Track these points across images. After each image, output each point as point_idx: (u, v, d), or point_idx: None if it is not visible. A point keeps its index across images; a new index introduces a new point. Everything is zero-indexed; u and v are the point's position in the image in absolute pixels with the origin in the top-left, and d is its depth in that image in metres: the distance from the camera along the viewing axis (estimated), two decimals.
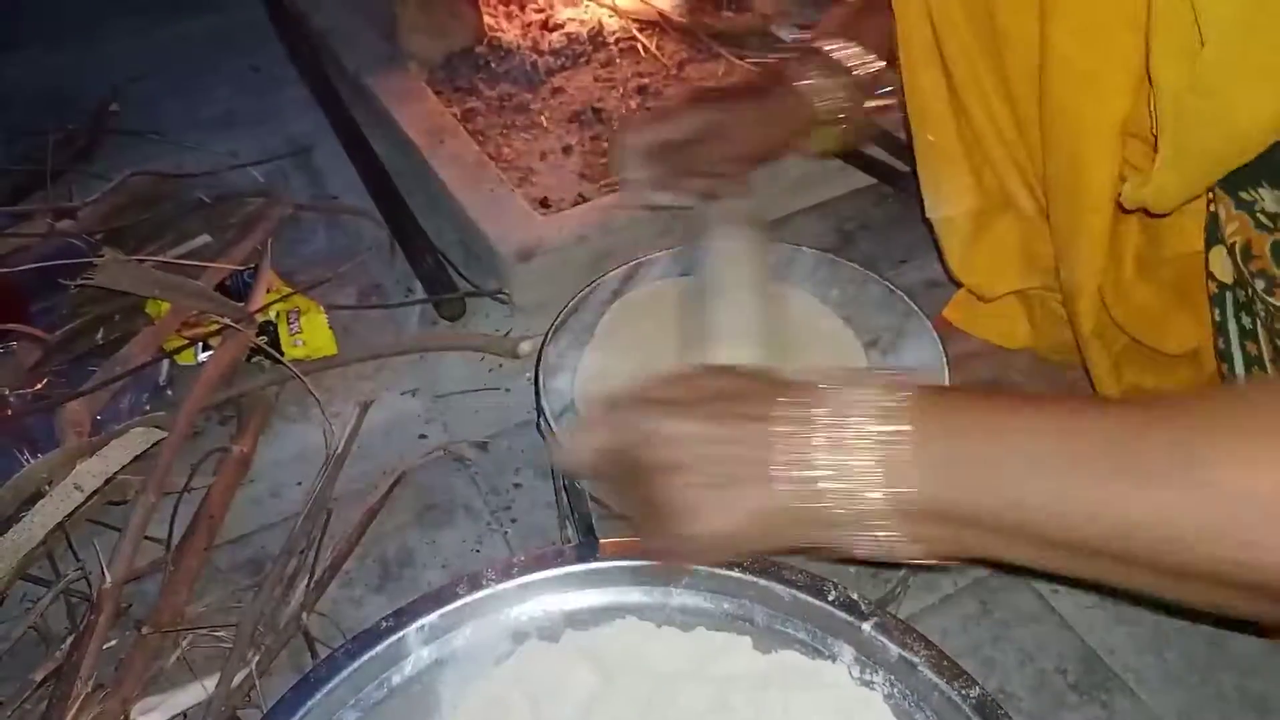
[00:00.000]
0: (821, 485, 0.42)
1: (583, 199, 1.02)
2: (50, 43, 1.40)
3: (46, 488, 0.67)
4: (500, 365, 0.90)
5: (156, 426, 0.74)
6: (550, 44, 1.22)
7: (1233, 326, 0.60)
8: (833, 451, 0.42)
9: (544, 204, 1.02)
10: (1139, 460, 0.38)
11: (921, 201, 0.75)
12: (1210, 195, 0.57)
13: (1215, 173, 0.52)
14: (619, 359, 0.70)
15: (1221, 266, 0.59)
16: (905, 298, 0.70)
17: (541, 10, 1.27)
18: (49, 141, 1.10)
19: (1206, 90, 0.48)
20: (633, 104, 1.15)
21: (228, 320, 0.85)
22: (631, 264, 0.76)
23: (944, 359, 0.66)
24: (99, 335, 0.90)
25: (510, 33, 1.24)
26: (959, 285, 0.79)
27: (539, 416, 0.66)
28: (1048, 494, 0.39)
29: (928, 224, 0.77)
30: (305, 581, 0.68)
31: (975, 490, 0.40)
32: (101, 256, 0.85)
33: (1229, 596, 0.38)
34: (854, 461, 0.42)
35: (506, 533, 0.76)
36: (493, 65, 1.20)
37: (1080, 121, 0.58)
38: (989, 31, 0.62)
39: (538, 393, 0.66)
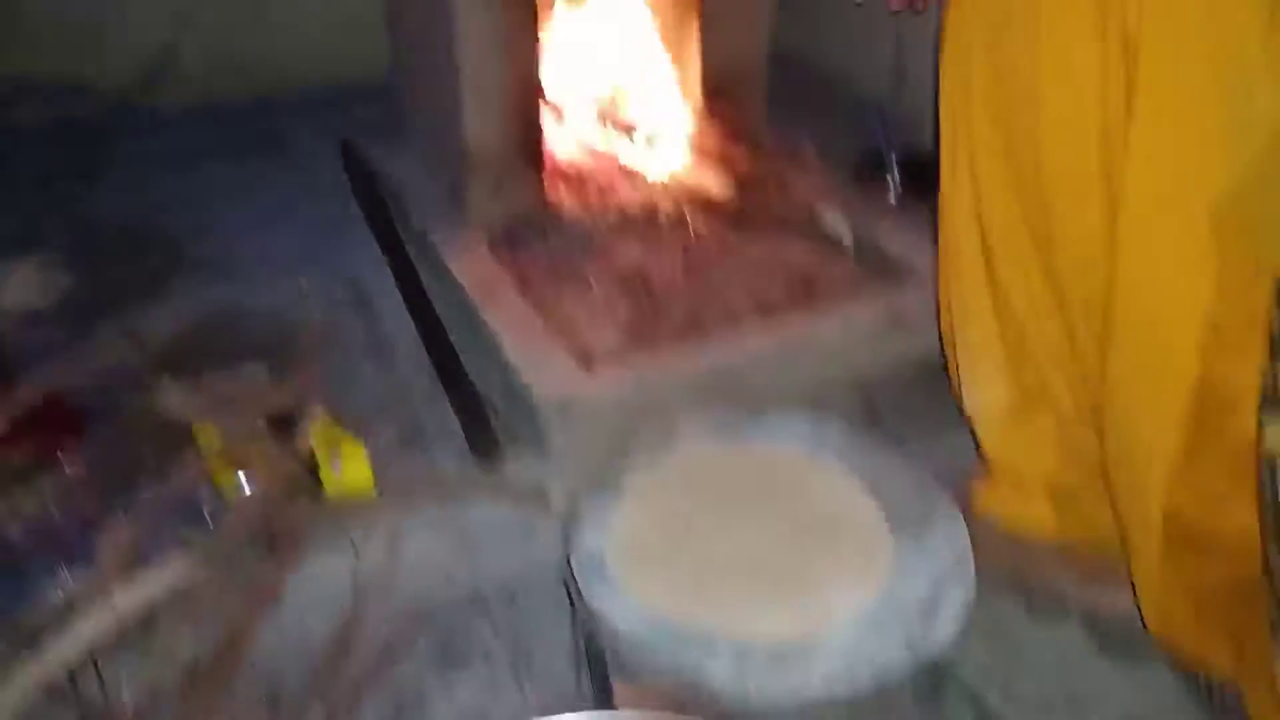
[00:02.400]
0: None
1: (623, 356, 1.06)
2: (140, 174, 1.51)
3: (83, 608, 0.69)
4: (531, 514, 0.92)
5: (195, 554, 0.76)
6: (605, 215, 1.29)
7: None
8: None
9: (586, 359, 1.06)
10: None
11: (949, 378, 0.77)
12: (1274, 369, 0.59)
13: None
14: (648, 526, 0.71)
15: (1277, 439, 0.59)
16: (933, 481, 0.71)
17: (599, 185, 1.35)
18: (127, 269, 1.18)
19: None
20: (678, 273, 1.21)
21: (274, 453, 0.88)
22: (669, 430, 0.79)
23: (969, 545, 0.67)
24: (149, 459, 0.93)
25: (569, 202, 1.32)
26: (988, 468, 0.80)
27: (567, 574, 0.67)
28: None
29: (958, 403, 0.79)
30: None
31: None
32: (162, 384, 0.90)
33: None
34: None
35: (523, 685, 0.75)
36: (550, 230, 1.27)
37: (1164, 308, 0.61)
38: (1044, 230, 0.66)
39: (567, 552, 0.67)
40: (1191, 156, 0.57)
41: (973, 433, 0.78)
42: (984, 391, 0.75)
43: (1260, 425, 0.60)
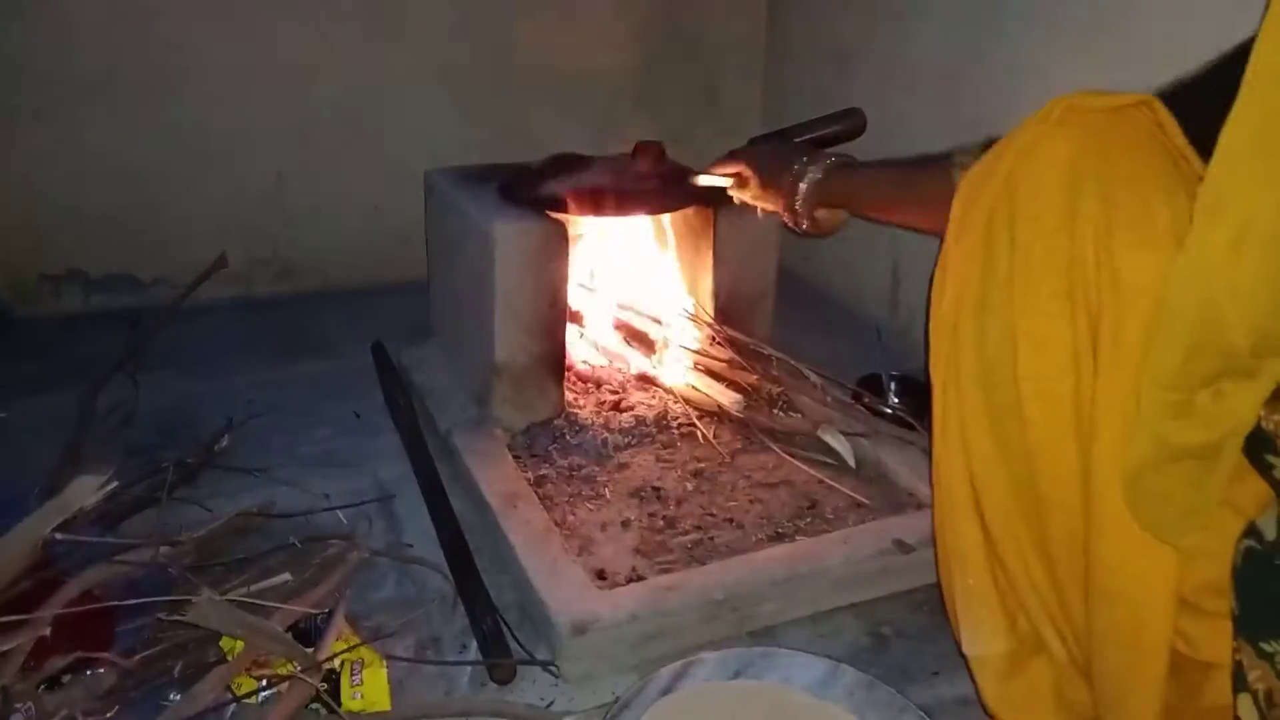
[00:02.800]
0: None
1: (636, 574, 1.09)
2: (180, 370, 1.59)
3: None
4: None
5: None
6: (620, 423, 1.36)
7: None
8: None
9: (600, 575, 1.10)
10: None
11: (948, 619, 0.81)
12: (1235, 645, 0.63)
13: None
14: None
15: (1249, 712, 0.63)
16: None
17: (615, 393, 1.43)
18: (163, 466, 1.23)
19: None
20: (689, 485, 1.26)
21: (297, 667, 0.90)
22: (682, 663, 0.82)
23: None
24: (174, 665, 0.96)
25: (586, 409, 1.40)
26: (988, 713, 0.83)
27: None
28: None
29: (956, 641, 0.82)
30: None
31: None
32: (196, 593, 0.93)
33: None
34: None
35: None
36: (567, 437, 1.33)
37: (1135, 583, 0.66)
38: (1030, 497, 0.72)
39: None
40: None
41: (973, 679, 0.81)
42: (981, 640, 0.78)
43: (1234, 693, 0.64)
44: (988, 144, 0.84)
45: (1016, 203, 0.70)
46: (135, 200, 1.80)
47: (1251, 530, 0.65)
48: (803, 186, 1.13)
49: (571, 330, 1.43)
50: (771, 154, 1.22)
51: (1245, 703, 0.63)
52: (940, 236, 0.85)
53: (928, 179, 0.92)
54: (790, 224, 1.19)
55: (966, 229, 0.74)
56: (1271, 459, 0.62)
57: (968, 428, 0.75)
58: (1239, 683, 0.64)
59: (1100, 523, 0.66)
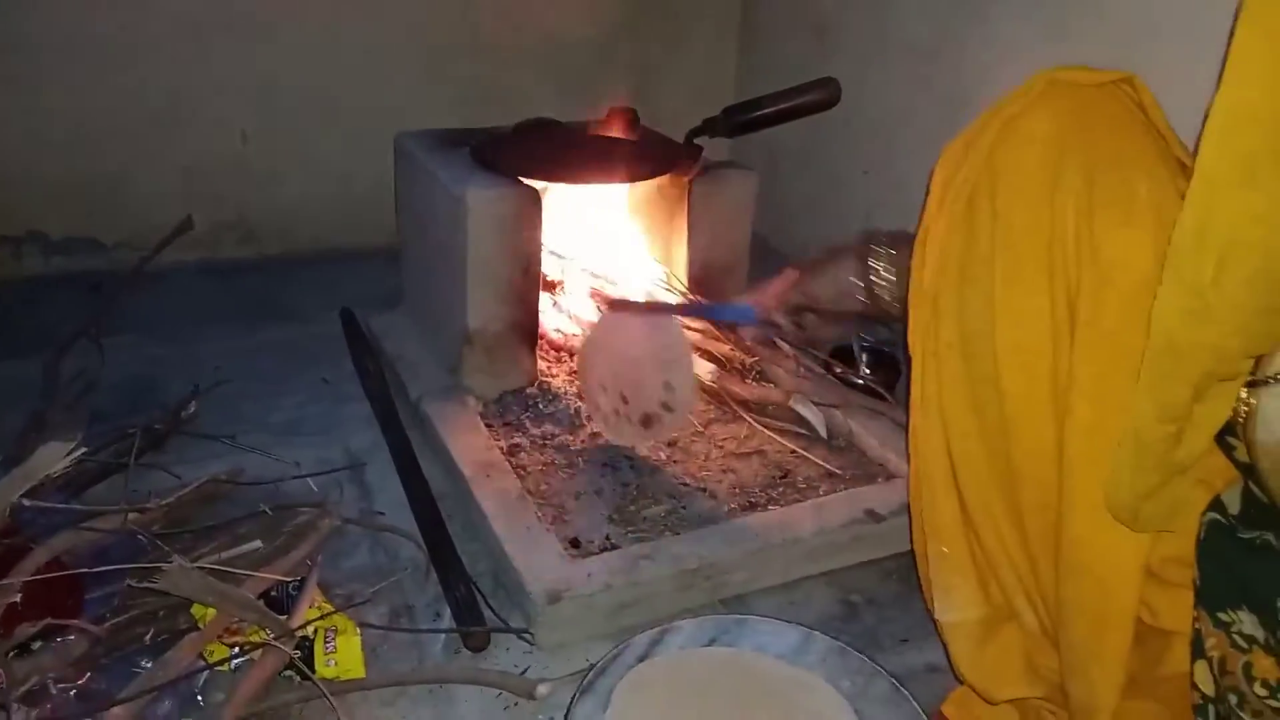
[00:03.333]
0: None
1: (610, 543, 1.10)
2: (145, 335, 1.56)
3: None
4: (516, 704, 0.94)
5: None
6: None
7: None
8: None
9: (574, 544, 1.10)
10: None
11: (920, 588, 0.83)
12: (1195, 615, 0.65)
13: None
14: None
15: (1204, 679, 0.65)
16: (910, 697, 0.76)
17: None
18: (129, 433, 1.21)
19: None
20: (662, 454, 1.27)
21: (270, 634, 0.90)
22: (658, 630, 0.83)
23: None
24: (145, 632, 0.95)
25: (559, 378, 1.39)
26: (959, 679, 0.84)
27: None
28: None
29: (928, 609, 0.84)
30: None
31: None
32: (168, 559, 0.93)
33: None
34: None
35: None
36: (540, 406, 1.33)
37: (1104, 556, 0.67)
38: (1006, 469, 0.73)
39: None
40: (1115, 420, 0.65)
41: (944, 644, 0.83)
42: (954, 607, 0.80)
43: (1192, 661, 0.66)
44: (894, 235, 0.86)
45: (998, 176, 0.70)
46: (96, 162, 1.75)
47: (1216, 504, 0.67)
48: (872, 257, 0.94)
49: (545, 299, 1.42)
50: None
51: (1202, 669, 0.65)
52: None
53: None
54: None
55: (948, 201, 0.74)
56: (1233, 440, 0.63)
57: (946, 399, 0.76)
58: (1197, 650, 0.66)
59: (1071, 497, 0.67)
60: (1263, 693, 0.59)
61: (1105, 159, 0.66)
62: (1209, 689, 0.64)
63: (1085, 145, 0.66)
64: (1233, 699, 0.62)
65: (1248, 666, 0.61)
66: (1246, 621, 0.61)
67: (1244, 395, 0.59)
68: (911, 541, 0.88)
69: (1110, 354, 0.63)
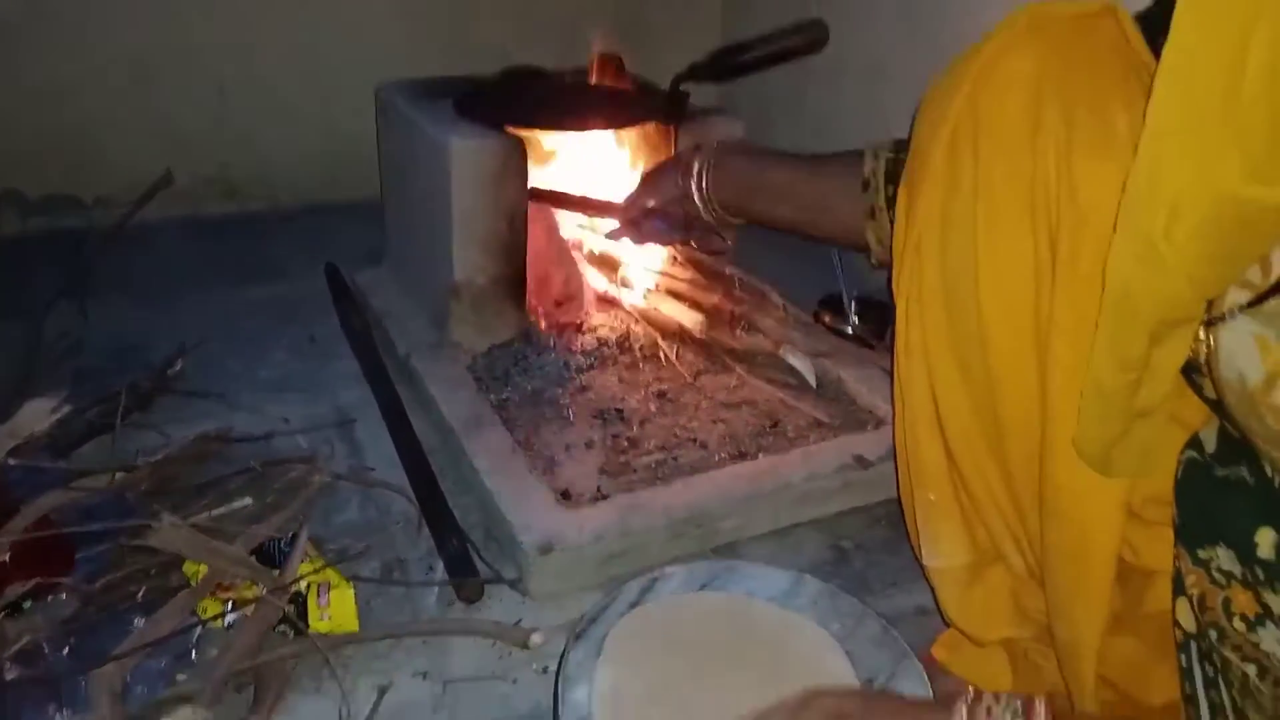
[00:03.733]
0: None
1: (601, 493, 1.10)
2: (128, 293, 1.54)
3: None
4: (510, 654, 0.94)
5: (186, 696, 0.78)
6: (582, 345, 1.36)
7: (1198, 673, 0.66)
8: None
9: (565, 495, 1.10)
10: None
11: (907, 533, 0.83)
12: (1176, 552, 0.66)
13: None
14: (630, 679, 0.75)
15: (1185, 616, 0.66)
16: (899, 638, 0.77)
17: (576, 315, 1.42)
18: (114, 393, 1.20)
19: None
20: (652, 406, 1.27)
21: (263, 589, 0.90)
22: (648, 577, 0.83)
23: (933, 701, 0.72)
24: (137, 590, 0.95)
25: (547, 332, 1.38)
26: (947, 622, 0.85)
27: None
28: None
29: (915, 554, 0.84)
30: None
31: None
32: (156, 518, 0.92)
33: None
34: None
35: None
36: (529, 359, 1.32)
37: (1084, 500, 0.68)
38: (990, 417, 0.73)
39: (556, 704, 0.71)
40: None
41: (932, 588, 0.83)
42: (942, 553, 0.80)
43: (1174, 598, 0.67)
44: (899, 143, 0.83)
45: (980, 119, 0.69)
46: (72, 117, 1.71)
47: (1194, 442, 0.67)
48: (695, 167, 1.05)
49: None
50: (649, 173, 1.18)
51: (1183, 606, 0.66)
52: (841, 244, 0.93)
53: (836, 167, 0.93)
54: (690, 232, 1.14)
55: (931, 146, 0.73)
56: (1199, 378, 0.63)
57: (930, 346, 0.75)
58: (1178, 588, 0.66)
59: (1052, 442, 0.67)
60: (1241, 627, 0.60)
61: (1085, 96, 0.65)
62: (1190, 625, 0.65)
63: (1065, 84, 0.65)
64: (1213, 634, 0.62)
65: (1226, 602, 0.61)
66: (1224, 557, 0.61)
67: (1202, 336, 0.59)
68: (898, 489, 0.88)
69: (1088, 295, 0.63)
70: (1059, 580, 0.72)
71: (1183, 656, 0.66)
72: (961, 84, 0.71)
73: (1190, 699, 0.66)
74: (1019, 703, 0.62)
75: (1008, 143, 0.67)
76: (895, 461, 0.87)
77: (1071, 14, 0.69)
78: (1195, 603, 0.64)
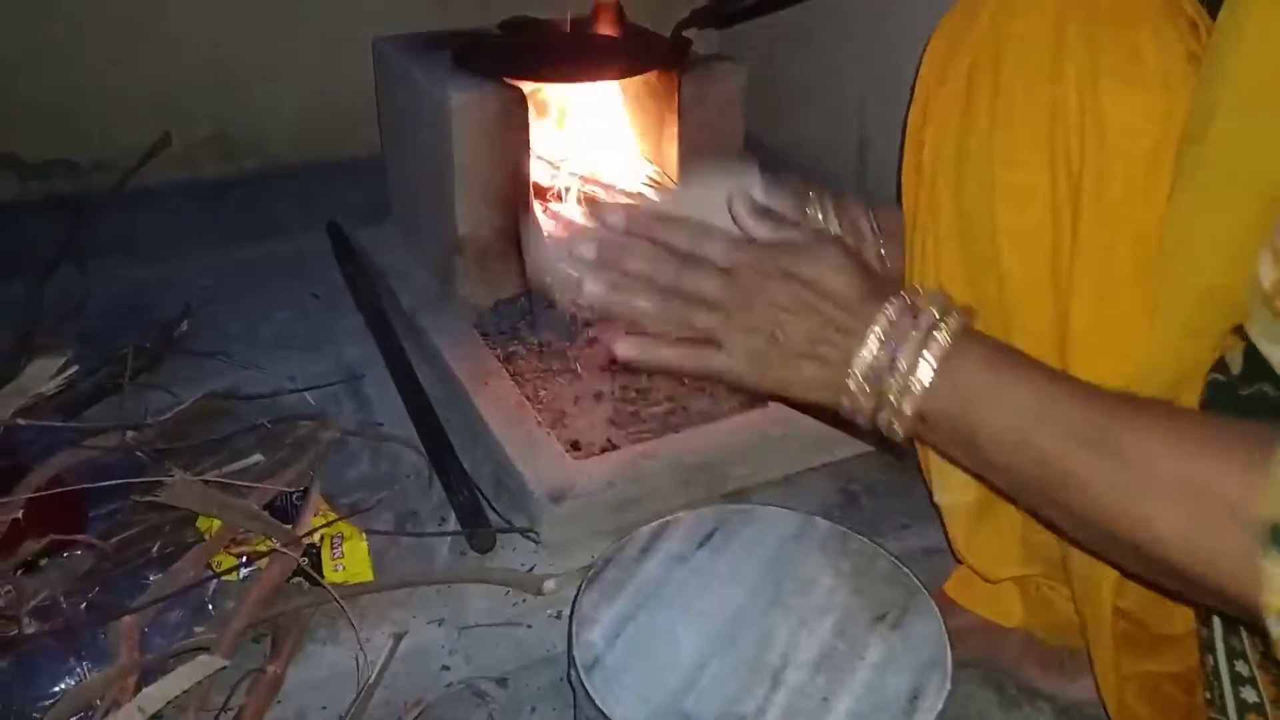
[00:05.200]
0: (865, 370, 0.59)
1: (611, 444, 1.10)
2: (129, 256, 1.53)
3: (98, 702, 0.71)
4: (524, 600, 0.95)
5: (203, 647, 0.78)
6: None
7: (1217, 622, 0.66)
8: (888, 349, 0.58)
9: (575, 446, 1.10)
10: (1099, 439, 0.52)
11: (920, 471, 0.83)
12: None
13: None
14: (642, 621, 0.75)
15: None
16: (911, 575, 0.77)
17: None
18: (122, 353, 1.20)
19: None
20: None
21: (276, 542, 0.91)
22: (659, 523, 0.83)
23: (945, 635, 0.72)
24: (151, 546, 0.96)
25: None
26: (958, 559, 0.86)
27: (569, 668, 0.70)
28: (1017, 440, 0.55)
29: (929, 492, 0.84)
30: None
31: (972, 414, 0.57)
32: (169, 474, 0.93)
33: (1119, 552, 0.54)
34: (901, 362, 0.58)
35: None
36: (536, 313, 1.32)
37: None
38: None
39: (570, 645, 0.71)
40: (1124, 291, 0.64)
41: (942, 524, 0.83)
42: (951, 489, 0.80)
43: None
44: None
45: (1001, 47, 0.67)
46: (67, 80, 1.69)
47: (1219, 365, 0.66)
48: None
49: (535, 203, 1.40)
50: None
51: None
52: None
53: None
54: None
55: (949, 75, 0.71)
56: None
57: (944, 280, 0.74)
58: None
59: (1076, 372, 0.67)
60: None
61: (1110, 20, 0.63)
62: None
63: (1089, 7, 0.64)
64: None
65: None
66: None
67: None
68: None
69: (1117, 225, 0.62)
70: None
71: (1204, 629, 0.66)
72: (980, 11, 0.69)
73: (1208, 645, 0.66)
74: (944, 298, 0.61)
75: (1028, 68, 0.66)
76: None
77: None
78: None
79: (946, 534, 0.84)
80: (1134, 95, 0.61)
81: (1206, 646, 0.66)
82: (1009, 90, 0.67)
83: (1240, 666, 0.63)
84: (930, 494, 0.83)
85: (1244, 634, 0.63)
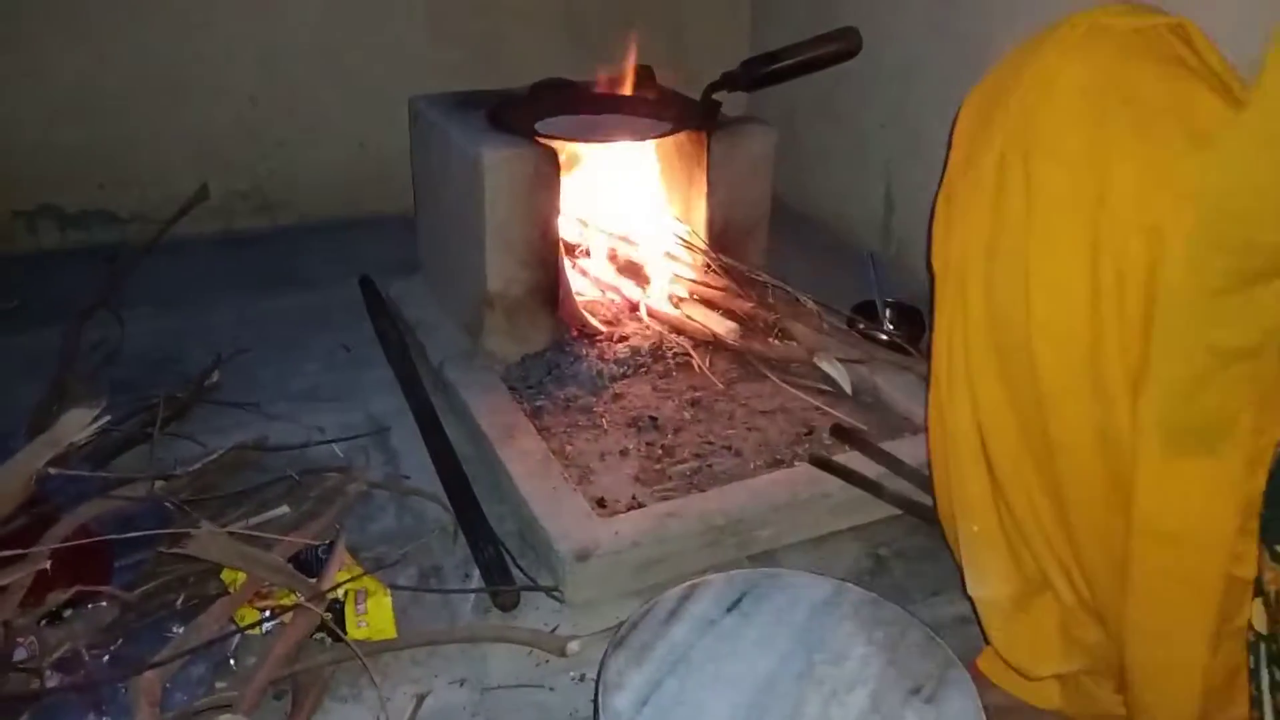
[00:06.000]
0: None
1: (637, 501, 1.10)
2: (162, 306, 1.56)
3: None
4: (547, 661, 0.94)
5: (225, 705, 0.78)
6: (615, 354, 1.35)
7: (1264, 676, 0.63)
8: None
9: (600, 504, 1.09)
10: None
11: (951, 551, 0.82)
12: (1259, 553, 0.63)
13: None
14: (672, 687, 0.73)
15: (1259, 617, 0.63)
16: (945, 646, 0.75)
17: (609, 324, 1.42)
18: (153, 402, 1.21)
19: None
20: (686, 414, 1.26)
21: (301, 597, 0.90)
22: (688, 585, 0.82)
23: (982, 713, 0.70)
24: (175, 598, 0.95)
25: (580, 341, 1.38)
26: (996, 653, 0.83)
27: None
28: None
29: (959, 569, 0.83)
30: None
31: None
32: (196, 526, 0.93)
33: None
34: None
35: None
36: (563, 368, 1.32)
37: (1197, 513, 0.64)
38: (1040, 442, 0.71)
39: (596, 711, 0.70)
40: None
41: (976, 615, 0.81)
42: (988, 583, 0.78)
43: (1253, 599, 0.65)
44: None
45: (1035, 137, 0.66)
46: (108, 132, 1.74)
47: None
48: None
49: (564, 260, 1.41)
50: None
51: (1257, 606, 0.63)
52: None
53: None
54: None
55: (974, 160, 0.70)
56: None
57: (975, 375, 0.73)
58: (1258, 588, 0.64)
59: (1150, 467, 0.64)
60: None
61: (1164, 108, 0.62)
62: (1262, 626, 0.63)
63: (1136, 96, 0.62)
64: None
65: None
66: None
67: None
68: (938, 513, 0.86)
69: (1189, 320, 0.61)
70: (1157, 603, 0.68)
71: (1252, 658, 0.64)
72: (1011, 92, 0.68)
73: (1255, 701, 0.64)
74: None
75: (1065, 162, 0.64)
76: (933, 489, 0.85)
77: (1133, 26, 0.66)
78: (1272, 599, 0.62)
79: (981, 626, 0.81)
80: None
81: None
82: (1045, 183, 0.66)
83: None
84: (959, 571, 0.82)
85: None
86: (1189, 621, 0.67)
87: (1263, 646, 0.63)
